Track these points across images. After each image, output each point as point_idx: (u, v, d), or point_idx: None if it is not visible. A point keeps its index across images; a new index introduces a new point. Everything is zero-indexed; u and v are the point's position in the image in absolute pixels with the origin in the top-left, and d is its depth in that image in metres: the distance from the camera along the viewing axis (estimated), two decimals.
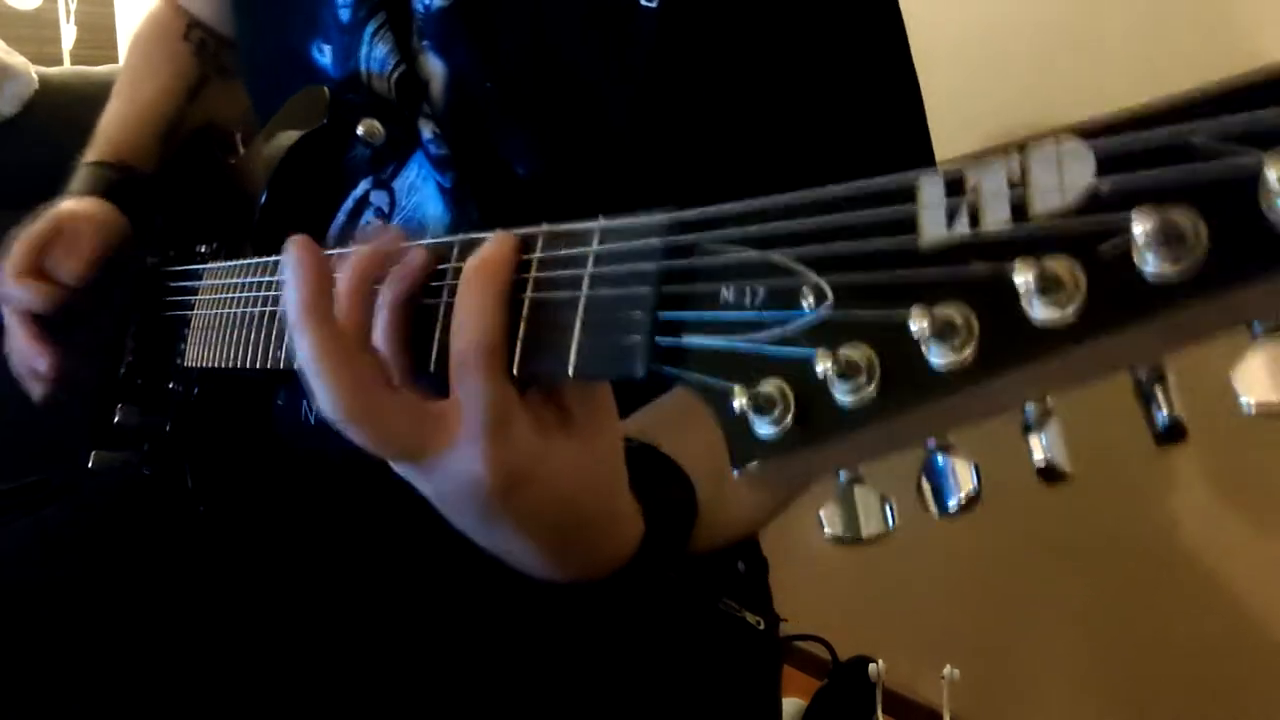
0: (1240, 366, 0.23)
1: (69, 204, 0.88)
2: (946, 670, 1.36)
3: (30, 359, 0.85)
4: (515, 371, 0.41)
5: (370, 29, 0.72)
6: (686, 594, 0.67)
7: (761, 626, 0.73)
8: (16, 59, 1.61)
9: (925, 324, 0.27)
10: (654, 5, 0.62)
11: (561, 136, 0.67)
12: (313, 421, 0.76)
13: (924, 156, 0.64)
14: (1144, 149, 0.24)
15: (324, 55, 0.76)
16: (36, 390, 0.87)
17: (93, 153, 0.93)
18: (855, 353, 0.29)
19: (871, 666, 1.37)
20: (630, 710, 0.65)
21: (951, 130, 0.64)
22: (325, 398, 0.42)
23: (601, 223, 0.39)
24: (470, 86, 0.69)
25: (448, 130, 0.70)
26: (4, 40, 1.66)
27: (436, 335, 0.45)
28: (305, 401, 0.77)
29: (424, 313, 0.46)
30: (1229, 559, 1.29)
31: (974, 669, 1.41)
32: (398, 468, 0.44)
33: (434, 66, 0.71)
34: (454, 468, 0.42)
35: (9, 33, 1.93)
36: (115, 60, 2.22)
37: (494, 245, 0.42)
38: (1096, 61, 1.32)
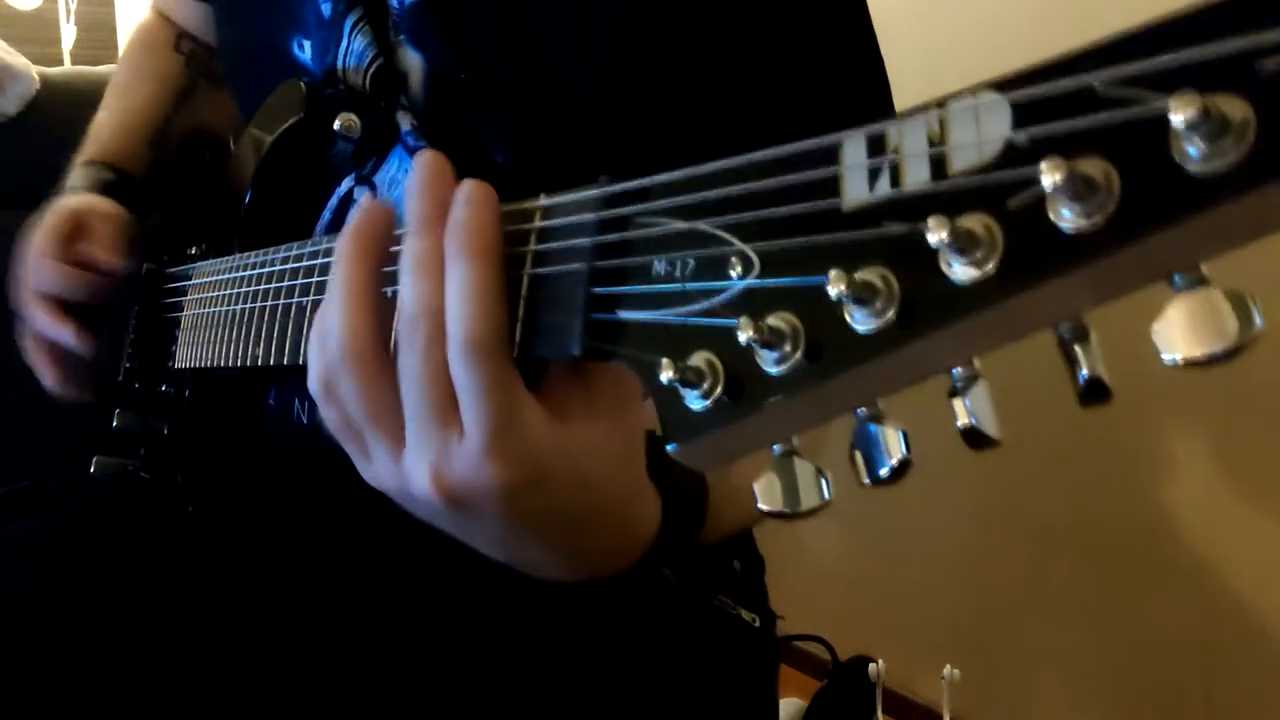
0: (1161, 321, 0.23)
1: (78, 199, 0.86)
2: (946, 670, 1.35)
3: (55, 334, 0.80)
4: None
5: (349, 23, 0.72)
6: (683, 592, 0.67)
7: (757, 624, 0.72)
8: (18, 59, 1.62)
9: (844, 287, 0.26)
10: None
11: (537, 123, 0.67)
12: (305, 422, 0.76)
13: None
14: (1058, 99, 0.23)
15: (304, 51, 0.76)
16: (51, 378, 0.82)
17: (85, 154, 0.92)
18: (780, 321, 0.28)
19: (871, 666, 1.36)
20: (626, 708, 0.65)
21: None
22: (343, 335, 0.39)
23: (542, 200, 0.38)
24: (446, 78, 0.69)
25: (426, 122, 0.70)
26: (5, 40, 1.66)
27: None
28: (297, 401, 0.76)
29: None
30: (1231, 556, 1.28)
31: (974, 669, 1.39)
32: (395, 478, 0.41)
33: (411, 60, 0.71)
34: (459, 465, 0.38)
35: (10, 33, 1.94)
36: (116, 60, 2.21)
37: (477, 209, 0.38)
38: None
